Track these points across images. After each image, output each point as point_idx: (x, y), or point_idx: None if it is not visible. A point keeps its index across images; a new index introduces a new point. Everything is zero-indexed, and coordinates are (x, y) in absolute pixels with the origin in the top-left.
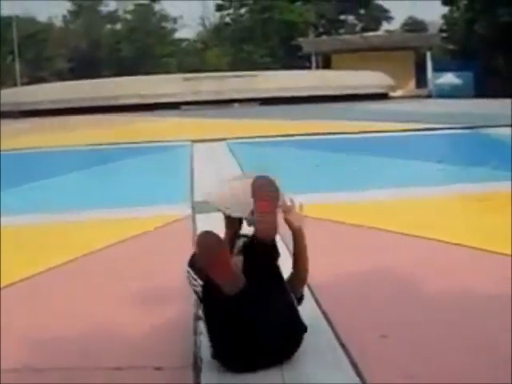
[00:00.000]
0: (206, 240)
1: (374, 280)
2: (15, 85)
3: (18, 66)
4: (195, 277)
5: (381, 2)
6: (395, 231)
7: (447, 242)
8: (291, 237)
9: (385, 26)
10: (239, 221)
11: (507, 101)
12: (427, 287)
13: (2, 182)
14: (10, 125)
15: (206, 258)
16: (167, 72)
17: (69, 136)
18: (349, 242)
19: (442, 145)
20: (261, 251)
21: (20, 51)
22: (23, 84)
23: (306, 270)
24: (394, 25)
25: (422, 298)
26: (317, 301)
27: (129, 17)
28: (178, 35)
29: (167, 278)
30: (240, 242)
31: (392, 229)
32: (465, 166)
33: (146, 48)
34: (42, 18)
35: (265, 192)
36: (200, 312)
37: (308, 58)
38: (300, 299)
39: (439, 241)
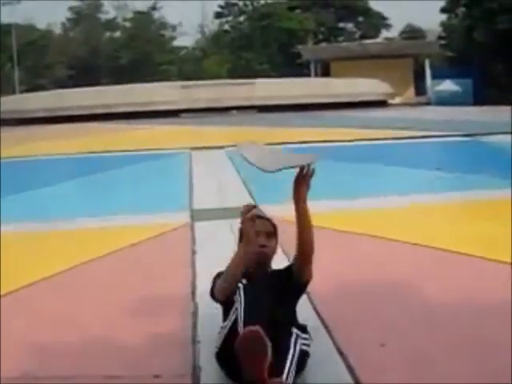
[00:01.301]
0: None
1: (373, 288)
2: (13, 92)
3: (16, 73)
4: None
5: (380, 10)
6: (394, 239)
7: (446, 250)
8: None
9: (384, 33)
10: None
11: (506, 108)
12: (427, 296)
13: (1, 189)
14: (7, 132)
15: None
16: (166, 80)
17: (66, 144)
18: (347, 250)
19: (441, 152)
20: None
21: (19, 58)
22: (21, 92)
23: (310, 243)
24: (393, 32)
25: (421, 307)
26: (315, 308)
27: (128, 24)
28: (176, 43)
29: (166, 286)
30: None
31: (390, 237)
32: (464, 174)
33: (144, 56)
34: (41, 25)
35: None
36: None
37: (307, 65)
38: (305, 284)
39: (438, 249)
